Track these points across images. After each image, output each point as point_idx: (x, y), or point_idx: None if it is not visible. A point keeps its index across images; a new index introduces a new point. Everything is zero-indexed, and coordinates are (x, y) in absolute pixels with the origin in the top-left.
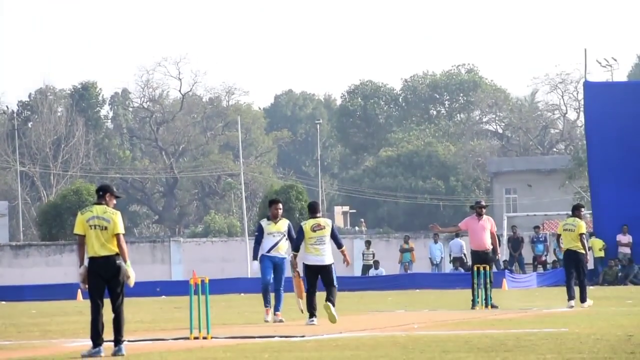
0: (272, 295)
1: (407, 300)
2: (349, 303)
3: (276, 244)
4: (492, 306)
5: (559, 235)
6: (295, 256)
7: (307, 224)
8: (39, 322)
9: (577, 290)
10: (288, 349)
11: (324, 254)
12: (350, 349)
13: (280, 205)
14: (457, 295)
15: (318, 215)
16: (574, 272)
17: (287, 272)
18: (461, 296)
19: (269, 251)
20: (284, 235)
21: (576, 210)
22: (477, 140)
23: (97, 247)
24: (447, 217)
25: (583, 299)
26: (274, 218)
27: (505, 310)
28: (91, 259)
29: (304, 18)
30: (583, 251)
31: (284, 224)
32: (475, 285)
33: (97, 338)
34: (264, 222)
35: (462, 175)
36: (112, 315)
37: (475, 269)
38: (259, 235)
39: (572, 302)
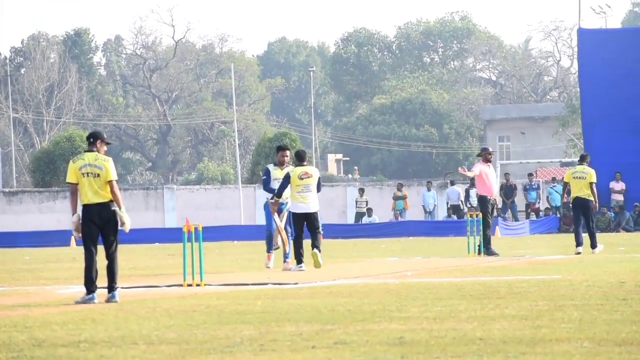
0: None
1: (400, 248)
2: (342, 250)
3: None
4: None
5: (566, 183)
6: (276, 202)
7: (295, 171)
8: (32, 268)
9: (586, 238)
10: (281, 296)
11: (310, 201)
12: (344, 296)
13: (288, 153)
14: (449, 243)
15: (305, 163)
16: (582, 220)
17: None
18: (454, 243)
19: (272, 198)
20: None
21: (585, 159)
22: (471, 88)
23: (91, 195)
24: (440, 164)
25: (593, 245)
26: (280, 165)
27: (498, 257)
28: (85, 206)
29: None
30: (592, 199)
31: None
32: (489, 231)
33: (90, 285)
34: (271, 167)
35: (455, 122)
36: (105, 262)
37: (469, 216)
38: (267, 179)
39: (580, 249)
